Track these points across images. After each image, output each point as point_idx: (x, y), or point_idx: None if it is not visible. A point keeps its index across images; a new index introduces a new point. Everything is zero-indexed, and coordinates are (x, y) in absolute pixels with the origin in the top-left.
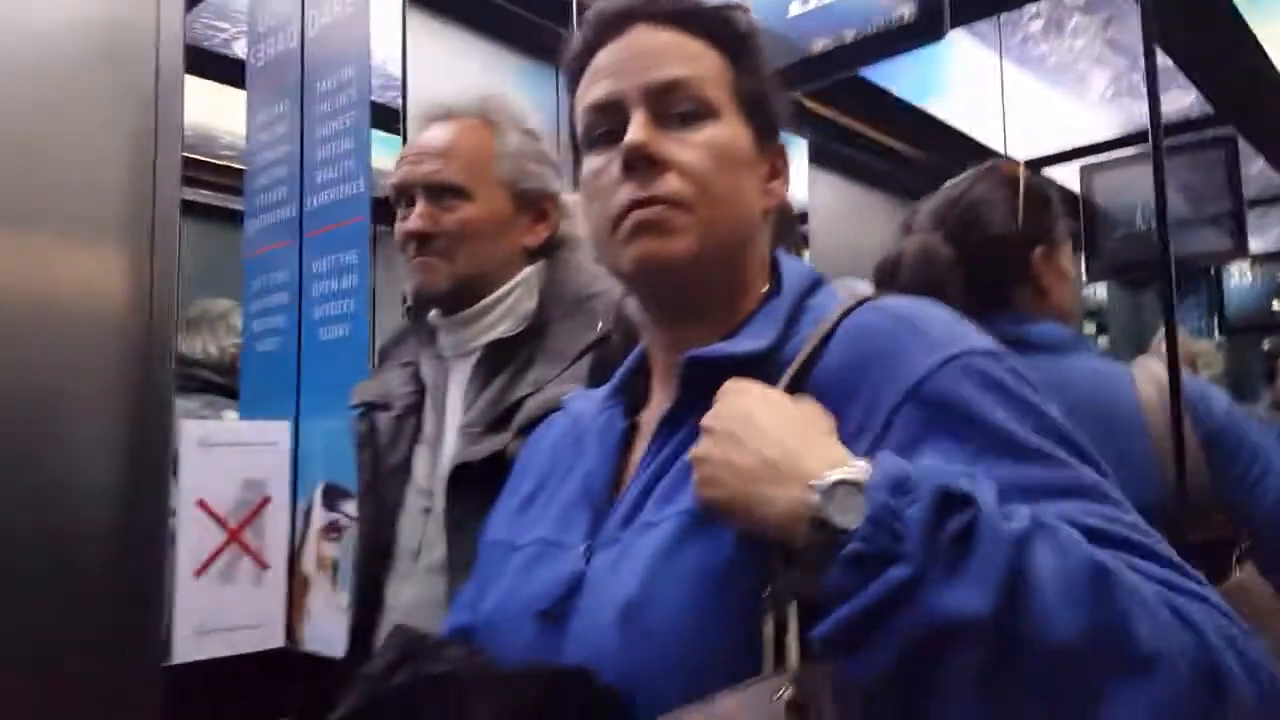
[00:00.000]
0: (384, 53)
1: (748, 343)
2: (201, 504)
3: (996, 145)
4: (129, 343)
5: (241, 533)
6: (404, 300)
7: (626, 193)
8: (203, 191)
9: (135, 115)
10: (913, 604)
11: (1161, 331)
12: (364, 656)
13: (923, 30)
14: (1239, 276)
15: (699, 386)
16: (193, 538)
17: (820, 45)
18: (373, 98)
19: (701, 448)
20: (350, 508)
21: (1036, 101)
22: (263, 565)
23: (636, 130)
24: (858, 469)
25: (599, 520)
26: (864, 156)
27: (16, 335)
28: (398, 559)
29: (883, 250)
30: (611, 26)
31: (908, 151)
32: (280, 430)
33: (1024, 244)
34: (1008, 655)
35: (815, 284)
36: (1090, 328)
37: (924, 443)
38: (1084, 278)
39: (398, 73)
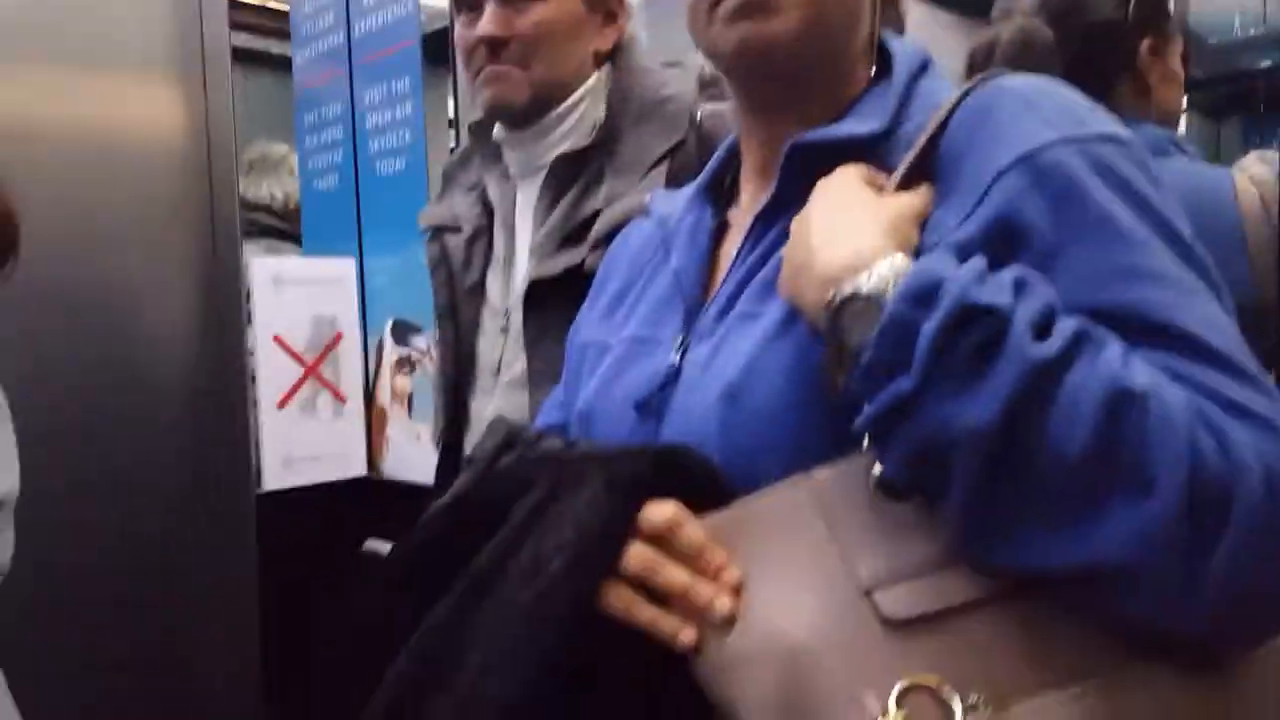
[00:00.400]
0: None
1: (856, 125)
2: (278, 340)
3: None
4: (191, 179)
5: (318, 368)
6: (449, 124)
7: None
8: (244, 35)
9: None
10: (917, 414)
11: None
12: (454, 468)
13: None
14: None
15: (802, 175)
16: (272, 373)
17: None
18: None
19: (789, 243)
20: (420, 341)
21: None
22: (340, 399)
23: None
24: (881, 277)
25: (692, 315)
26: None
27: (78, 177)
28: (479, 377)
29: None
30: None
31: None
32: (347, 267)
33: (1132, 34)
34: (1012, 467)
35: (925, 65)
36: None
37: (1020, 214)
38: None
39: None
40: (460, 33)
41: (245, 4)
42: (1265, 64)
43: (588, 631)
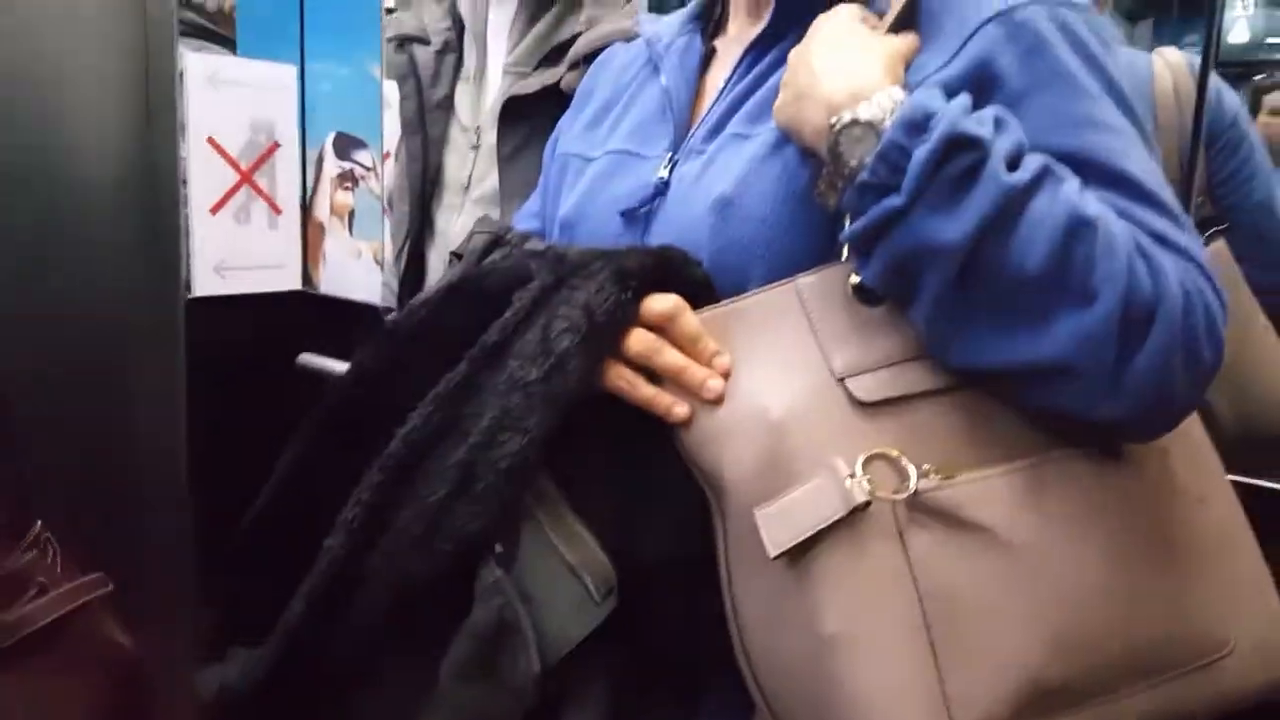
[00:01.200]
0: None
1: None
2: (211, 142)
3: None
4: None
5: (253, 174)
6: None
7: None
8: None
9: None
10: (903, 227)
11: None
12: (418, 278)
13: None
14: (1239, 9)
15: (797, 9)
16: (205, 177)
17: None
18: None
19: (785, 73)
20: (364, 156)
21: None
22: (276, 209)
23: None
24: (882, 105)
25: (681, 134)
26: None
27: None
28: (445, 191)
29: None
30: None
31: None
32: (287, 74)
33: None
34: (978, 277)
35: None
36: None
37: (995, 61)
38: None
39: None
40: None
41: None
42: None
43: (590, 404)
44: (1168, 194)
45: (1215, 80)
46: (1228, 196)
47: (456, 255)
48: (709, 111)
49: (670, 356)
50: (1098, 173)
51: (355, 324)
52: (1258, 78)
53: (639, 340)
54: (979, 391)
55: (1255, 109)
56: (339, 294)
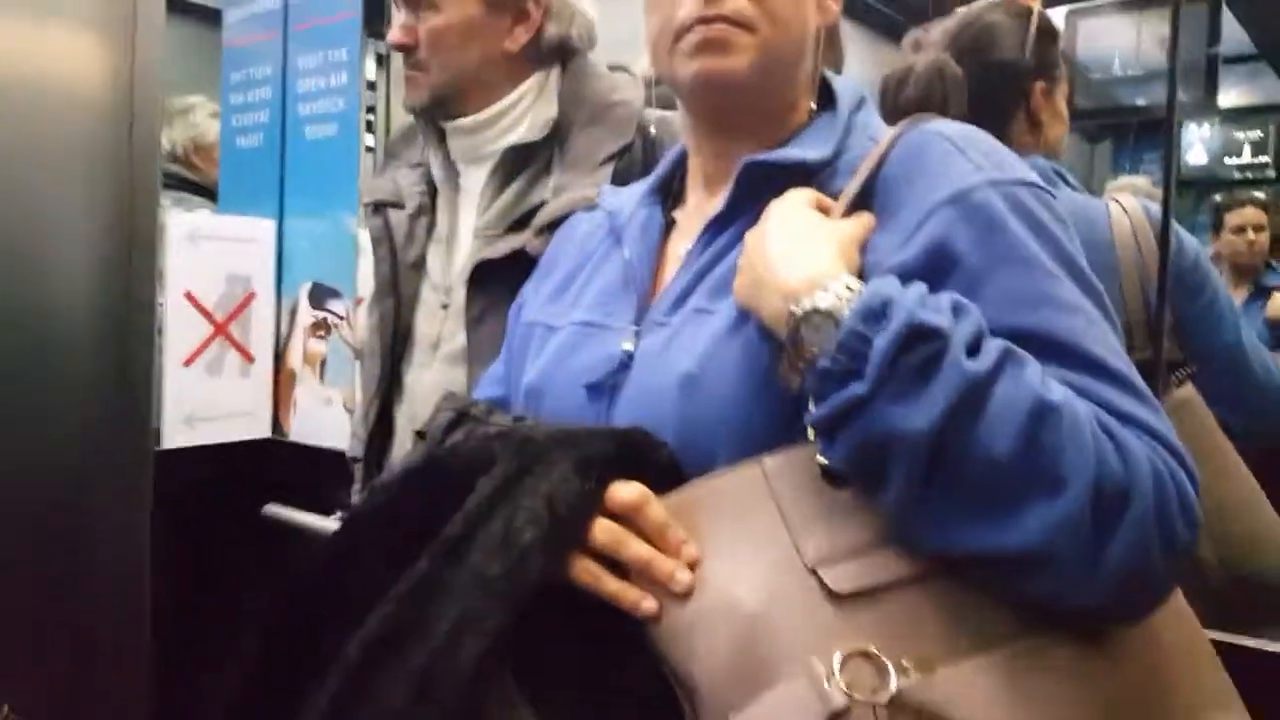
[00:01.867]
0: None
1: (805, 151)
2: (189, 296)
3: None
4: (113, 132)
5: (228, 326)
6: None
7: (691, 8)
8: None
9: None
10: (866, 416)
11: (1119, 180)
12: (385, 436)
13: None
14: (1197, 131)
15: (752, 189)
16: (180, 330)
17: None
18: None
19: (742, 256)
20: (337, 306)
21: None
22: (248, 358)
23: None
24: (838, 296)
25: (644, 305)
26: None
27: None
28: (416, 349)
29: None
30: None
31: None
32: (265, 228)
33: (1027, 75)
34: (946, 465)
35: (862, 101)
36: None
37: (952, 242)
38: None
39: None
40: None
41: None
42: (1139, 102)
43: (556, 600)
44: (1130, 370)
45: (1174, 223)
46: (1196, 338)
47: (420, 434)
48: (671, 284)
49: (636, 548)
50: (1059, 351)
51: (323, 471)
52: (1218, 197)
53: (604, 531)
54: (954, 577)
55: (1218, 227)
56: (309, 441)
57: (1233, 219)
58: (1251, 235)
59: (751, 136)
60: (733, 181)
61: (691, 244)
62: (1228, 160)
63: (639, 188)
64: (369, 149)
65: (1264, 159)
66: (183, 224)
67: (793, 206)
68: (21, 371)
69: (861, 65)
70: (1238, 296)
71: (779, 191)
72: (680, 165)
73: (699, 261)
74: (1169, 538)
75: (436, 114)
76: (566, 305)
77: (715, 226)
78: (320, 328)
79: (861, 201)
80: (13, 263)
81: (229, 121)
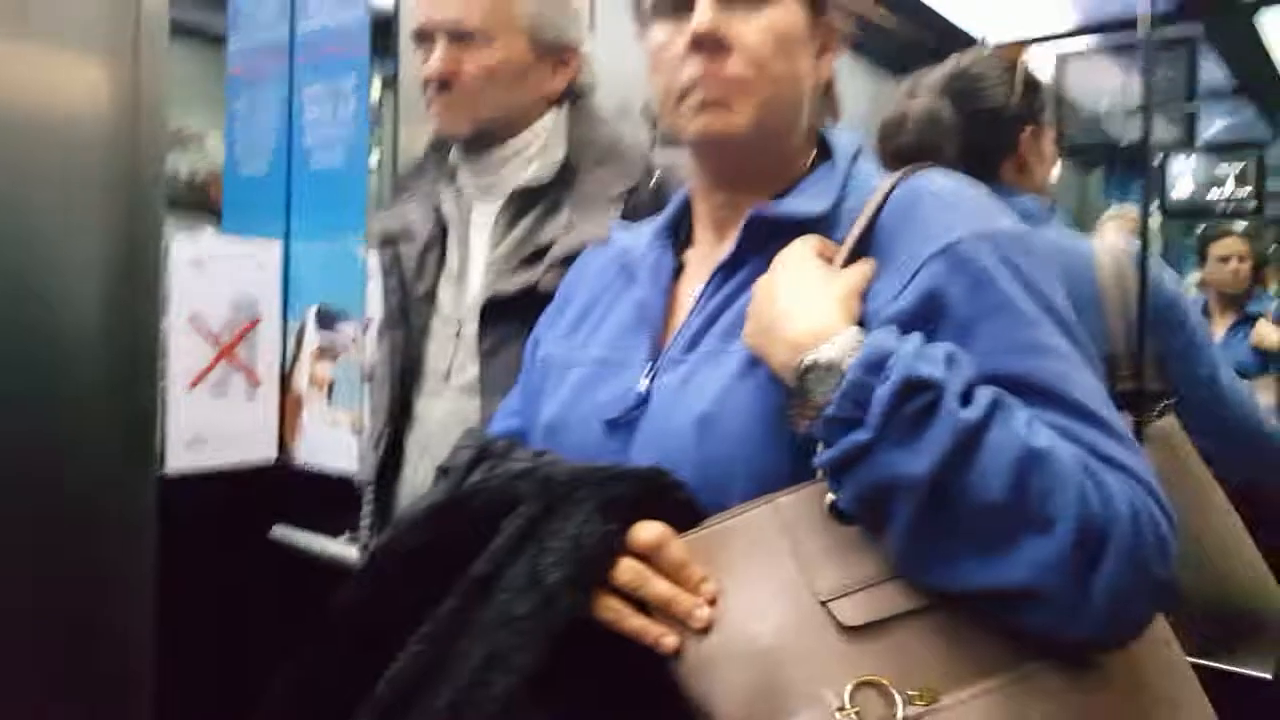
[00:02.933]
0: None
1: (809, 203)
2: (193, 320)
3: (974, 26)
4: (119, 156)
5: (233, 350)
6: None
7: (692, 69)
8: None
9: None
10: (869, 461)
11: (1111, 210)
12: (396, 464)
13: None
14: (1182, 164)
15: (758, 239)
16: (185, 353)
17: None
18: None
19: (751, 303)
20: (345, 329)
21: None
22: (255, 381)
23: (704, 13)
24: (842, 347)
25: (658, 345)
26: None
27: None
28: (426, 378)
29: (870, 114)
30: None
31: (888, 24)
32: (271, 249)
33: (1016, 120)
34: (944, 507)
35: (859, 152)
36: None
37: (942, 293)
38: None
39: None
40: (418, 67)
41: None
42: (1126, 136)
43: (581, 636)
44: (1111, 414)
45: (1157, 260)
46: (1176, 372)
47: (442, 470)
48: (684, 325)
49: (658, 586)
50: (1045, 396)
51: (330, 495)
52: (1202, 228)
53: (627, 570)
54: (956, 610)
55: (1203, 257)
56: (315, 464)
57: (1217, 249)
58: (1235, 264)
59: (754, 187)
60: (740, 232)
61: (702, 286)
62: (1212, 192)
63: (649, 226)
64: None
65: (1246, 190)
66: (188, 247)
67: (798, 258)
68: (26, 395)
69: (857, 100)
70: (1224, 323)
71: (784, 241)
72: (688, 208)
73: (710, 305)
74: (1146, 574)
75: (466, 146)
76: (582, 341)
77: (724, 272)
78: (328, 351)
79: (860, 249)
80: (17, 286)
81: (232, 150)
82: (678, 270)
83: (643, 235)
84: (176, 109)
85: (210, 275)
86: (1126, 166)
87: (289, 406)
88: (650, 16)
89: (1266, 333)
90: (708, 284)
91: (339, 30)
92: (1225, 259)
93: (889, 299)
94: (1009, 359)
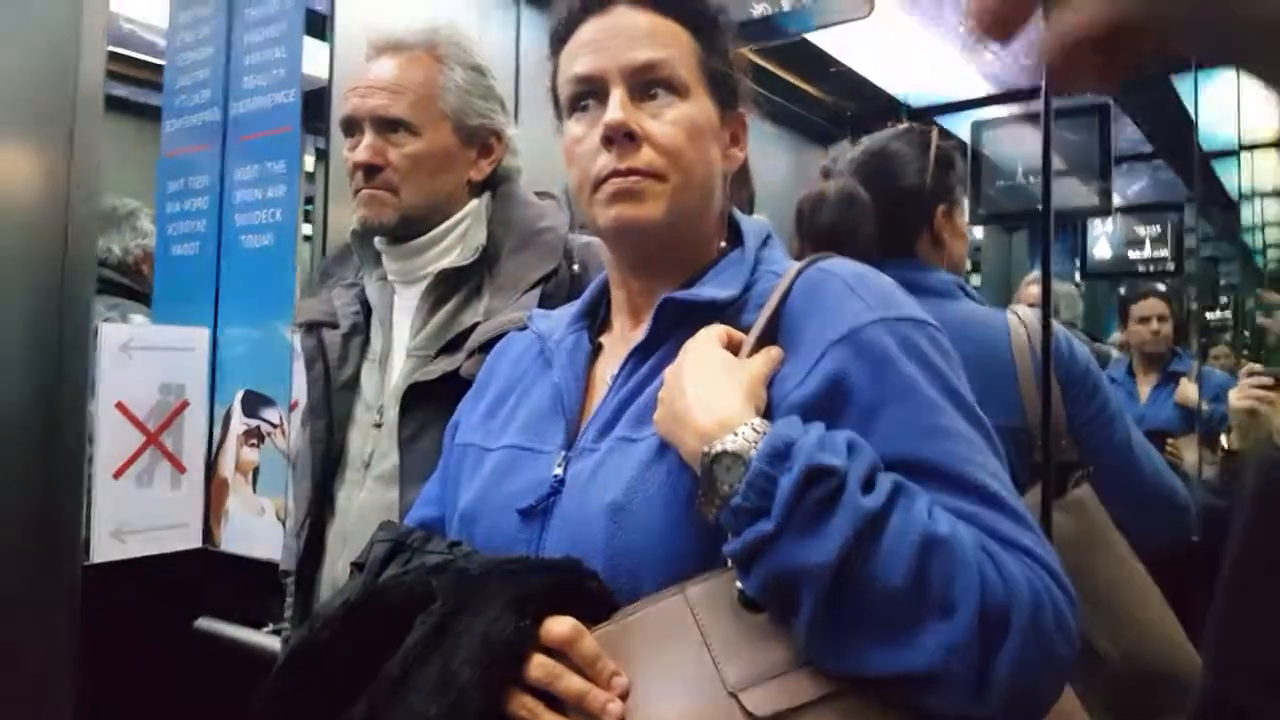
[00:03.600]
0: None
1: (719, 289)
2: (120, 407)
3: (896, 92)
4: (48, 239)
5: (159, 436)
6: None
7: (606, 162)
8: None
9: (58, 8)
10: (774, 551)
11: (1031, 273)
12: (317, 555)
13: (851, 8)
14: (1101, 226)
15: (670, 324)
16: (111, 441)
17: (759, 10)
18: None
19: (661, 391)
20: (271, 414)
21: (935, 56)
22: (180, 469)
23: (616, 108)
24: (746, 439)
25: (573, 431)
26: (769, 93)
27: None
28: (348, 468)
29: (795, 181)
30: (596, 4)
31: (813, 93)
32: (200, 336)
33: (930, 200)
34: (848, 595)
35: (768, 238)
36: (967, 263)
37: (846, 378)
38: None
39: None
40: (345, 153)
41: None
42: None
43: None
44: (1011, 495)
45: (1066, 332)
46: (1089, 440)
47: (357, 565)
48: (598, 410)
49: (570, 682)
50: (945, 479)
51: (255, 582)
52: (1122, 289)
53: (539, 667)
54: (863, 694)
55: (1124, 319)
56: (241, 551)
57: (1137, 310)
58: (1155, 325)
59: (668, 273)
60: (651, 316)
61: (616, 370)
62: (1131, 253)
63: (567, 311)
64: (307, 238)
65: (1164, 252)
66: (116, 334)
67: (706, 346)
68: None
69: (781, 167)
70: (1148, 382)
71: (695, 325)
72: (605, 291)
73: (623, 390)
74: (1048, 653)
75: (393, 234)
76: (499, 427)
77: (637, 355)
78: (253, 436)
79: (767, 334)
80: None
81: (164, 229)
82: (595, 353)
83: (560, 321)
84: (112, 185)
85: (138, 361)
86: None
87: (215, 492)
88: (567, 110)
89: (1191, 394)
90: (621, 368)
91: (272, 112)
92: (1145, 319)
93: (794, 384)
94: (911, 443)
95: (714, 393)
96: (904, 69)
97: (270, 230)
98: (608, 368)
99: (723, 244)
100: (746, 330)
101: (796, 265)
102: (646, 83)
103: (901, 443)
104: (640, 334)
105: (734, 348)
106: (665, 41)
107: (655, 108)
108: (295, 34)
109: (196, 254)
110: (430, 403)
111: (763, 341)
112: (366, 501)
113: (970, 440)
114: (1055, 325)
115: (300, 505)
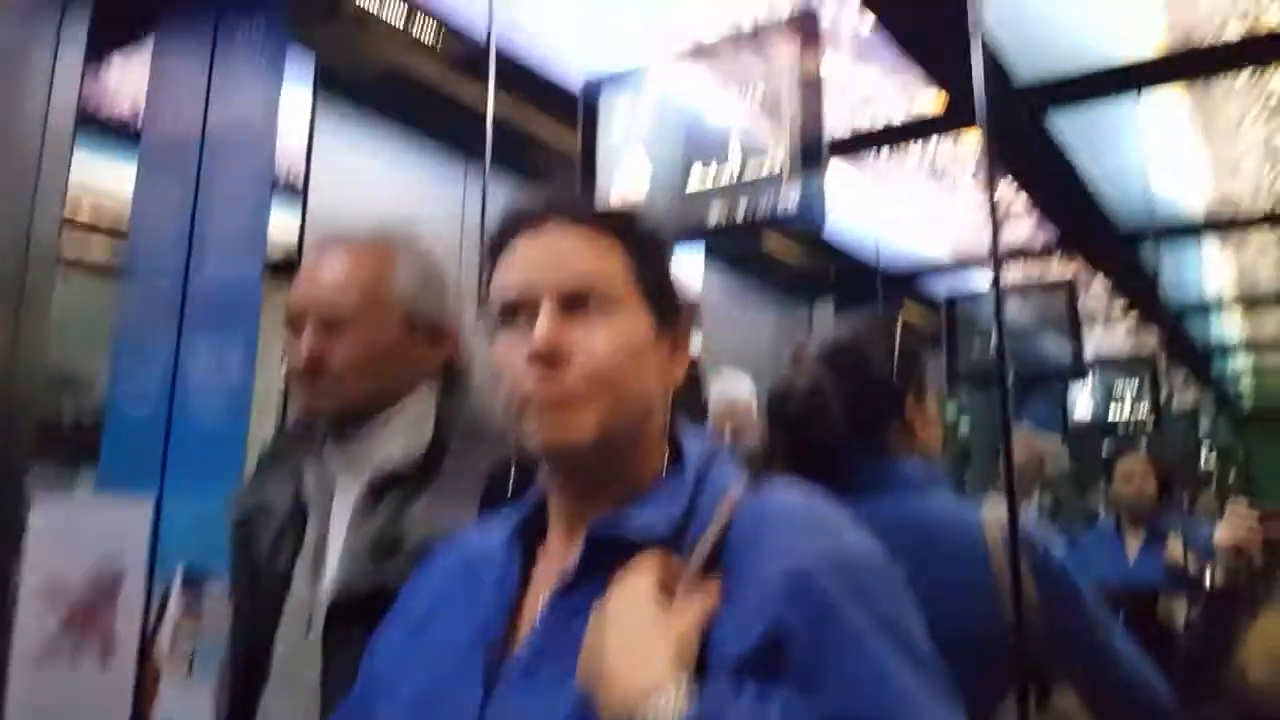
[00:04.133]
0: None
1: (654, 518)
2: (48, 586)
3: (870, 259)
4: None
5: (91, 615)
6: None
7: (533, 379)
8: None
9: (15, 176)
10: None
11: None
12: None
13: (804, 221)
14: (1082, 384)
15: (602, 555)
16: (34, 623)
17: (715, 218)
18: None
19: (585, 637)
20: (214, 590)
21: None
22: (109, 652)
23: (544, 326)
24: (671, 708)
25: (492, 669)
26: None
27: None
28: (273, 673)
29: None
30: (530, 220)
31: (787, 258)
32: (141, 509)
33: (899, 390)
34: None
35: (712, 457)
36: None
37: (787, 630)
38: (946, 389)
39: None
40: (288, 343)
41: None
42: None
43: None
44: None
45: (1040, 534)
46: (1069, 644)
47: None
48: (522, 648)
49: None
50: None
51: None
52: (1105, 450)
53: None
54: None
55: (1109, 478)
56: None
57: (1121, 468)
58: (1139, 483)
59: (603, 494)
60: (581, 551)
61: (543, 605)
62: (1112, 410)
63: (502, 525)
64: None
65: (1144, 406)
66: (47, 513)
67: (634, 592)
68: None
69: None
70: (1135, 541)
71: (629, 555)
72: (544, 503)
73: (548, 629)
74: None
75: (337, 421)
76: (419, 654)
77: (564, 593)
78: (192, 614)
79: (706, 567)
80: None
81: (114, 395)
82: (528, 568)
83: (494, 535)
84: (69, 348)
85: (74, 536)
86: (1025, 390)
87: (149, 675)
88: (496, 325)
89: (1179, 554)
90: (548, 605)
91: (232, 283)
92: (1130, 478)
93: (732, 633)
94: (856, 699)
95: (639, 651)
96: (882, 232)
97: (222, 409)
98: (538, 593)
99: (665, 461)
100: (687, 555)
101: (739, 492)
102: (577, 298)
103: (845, 699)
104: (571, 563)
105: (671, 579)
106: (598, 257)
107: (587, 324)
108: (262, 213)
109: (145, 424)
110: (359, 614)
111: (702, 573)
112: (287, 710)
113: (918, 691)
114: (1029, 527)
115: (221, 713)
